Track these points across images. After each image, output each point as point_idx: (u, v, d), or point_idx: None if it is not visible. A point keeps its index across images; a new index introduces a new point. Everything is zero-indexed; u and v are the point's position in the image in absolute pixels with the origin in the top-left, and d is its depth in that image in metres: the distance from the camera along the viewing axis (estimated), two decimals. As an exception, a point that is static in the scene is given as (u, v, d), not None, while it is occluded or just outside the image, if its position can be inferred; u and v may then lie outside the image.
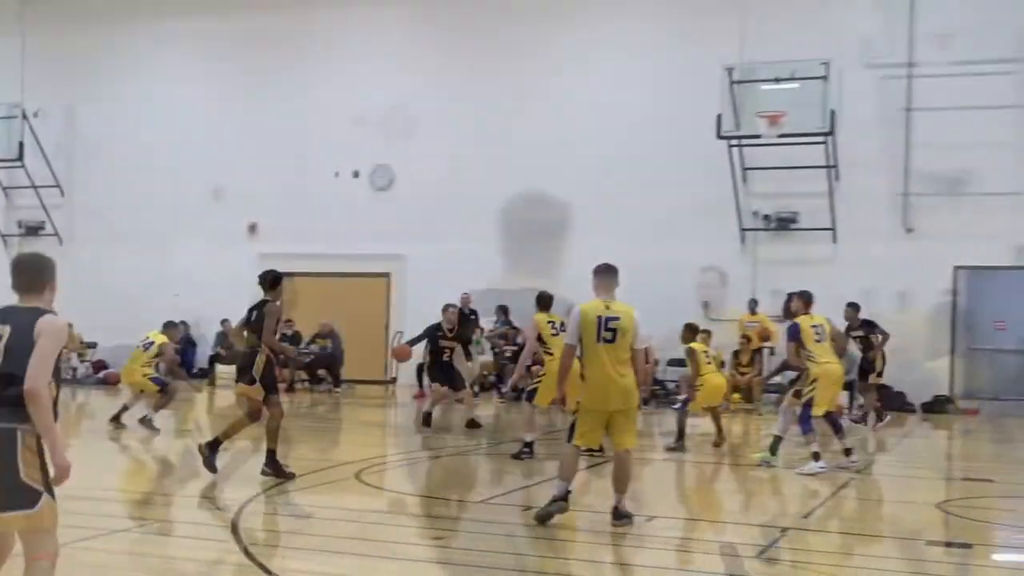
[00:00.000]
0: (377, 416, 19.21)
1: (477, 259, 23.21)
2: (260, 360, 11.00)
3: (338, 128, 25.05)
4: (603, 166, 22.91)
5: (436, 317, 16.91)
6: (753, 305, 21.03)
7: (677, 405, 15.13)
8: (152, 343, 15.96)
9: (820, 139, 21.04)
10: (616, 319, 8.73)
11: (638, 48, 23.02)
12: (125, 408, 15.39)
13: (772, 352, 20.85)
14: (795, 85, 21.10)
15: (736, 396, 20.17)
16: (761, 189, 22.21)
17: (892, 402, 20.32)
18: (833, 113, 20.88)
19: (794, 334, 12.20)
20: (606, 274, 9.00)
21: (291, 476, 10.82)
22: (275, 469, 10.81)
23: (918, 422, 19.39)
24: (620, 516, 8.83)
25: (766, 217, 22.12)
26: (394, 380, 23.78)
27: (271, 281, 11.34)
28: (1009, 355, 20.98)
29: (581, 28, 23.51)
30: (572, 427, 9.01)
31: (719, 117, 21.29)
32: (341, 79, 25.26)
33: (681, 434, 13.77)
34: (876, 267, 20.66)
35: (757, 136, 21.07)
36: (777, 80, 21.22)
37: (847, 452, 12.48)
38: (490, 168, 23.73)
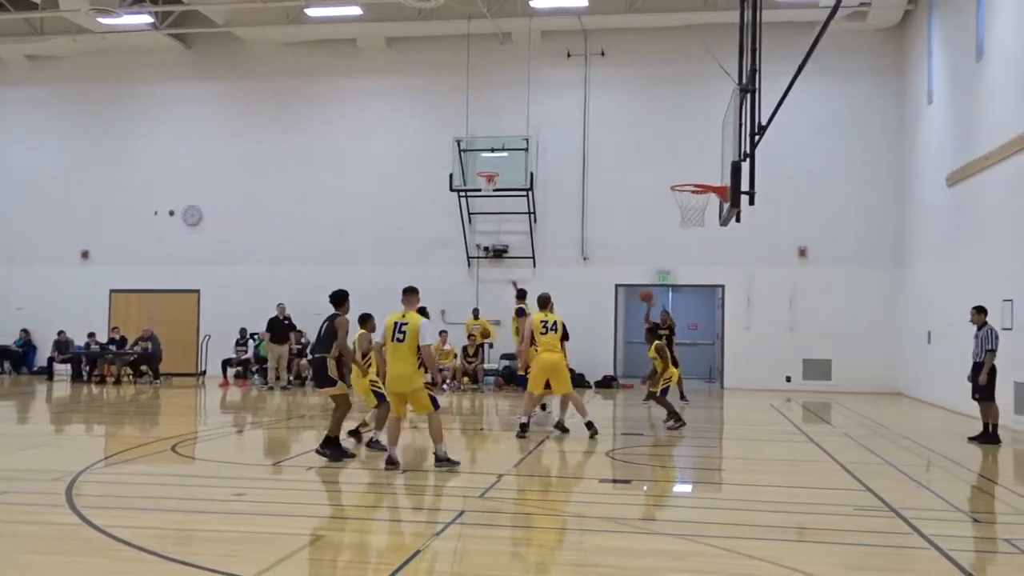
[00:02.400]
0: (189, 401, 18.15)
1: (271, 280, 22.55)
2: (331, 364, 9.92)
3: (158, 175, 23.72)
4: (371, 210, 22.70)
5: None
6: (476, 313, 21.34)
7: None
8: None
9: (523, 193, 21.63)
10: (406, 324, 9.18)
11: (395, 125, 22.95)
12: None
13: (491, 346, 21.17)
14: (505, 154, 21.59)
15: (465, 379, 20.37)
16: (482, 228, 22.61)
17: (576, 381, 21.04)
18: (532, 175, 21.54)
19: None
20: (408, 293, 9.49)
21: (352, 456, 9.94)
22: (335, 452, 9.80)
23: (593, 394, 20.15)
24: (440, 460, 9.27)
25: (486, 249, 22.49)
26: (204, 373, 22.60)
27: (338, 298, 10.07)
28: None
29: (355, 109, 23.19)
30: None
31: (451, 175, 21.53)
32: (160, 137, 23.89)
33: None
34: (564, 285, 21.42)
35: (478, 190, 21.39)
36: (492, 149, 21.65)
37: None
38: (286, 211, 23.11)
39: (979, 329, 12.49)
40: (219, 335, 22.20)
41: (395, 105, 23.04)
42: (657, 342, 13.82)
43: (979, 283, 15.10)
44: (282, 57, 23.44)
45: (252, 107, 23.50)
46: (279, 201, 23.13)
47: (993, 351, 12.24)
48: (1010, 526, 7.56)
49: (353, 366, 10.45)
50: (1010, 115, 14.32)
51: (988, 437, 12.30)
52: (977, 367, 12.41)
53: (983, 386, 12.31)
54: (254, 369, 21.69)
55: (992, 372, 12.28)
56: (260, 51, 23.50)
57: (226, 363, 21.71)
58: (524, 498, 8.31)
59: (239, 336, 21.99)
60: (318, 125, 23.20)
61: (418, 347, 9.18)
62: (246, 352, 21.90)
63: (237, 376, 21.77)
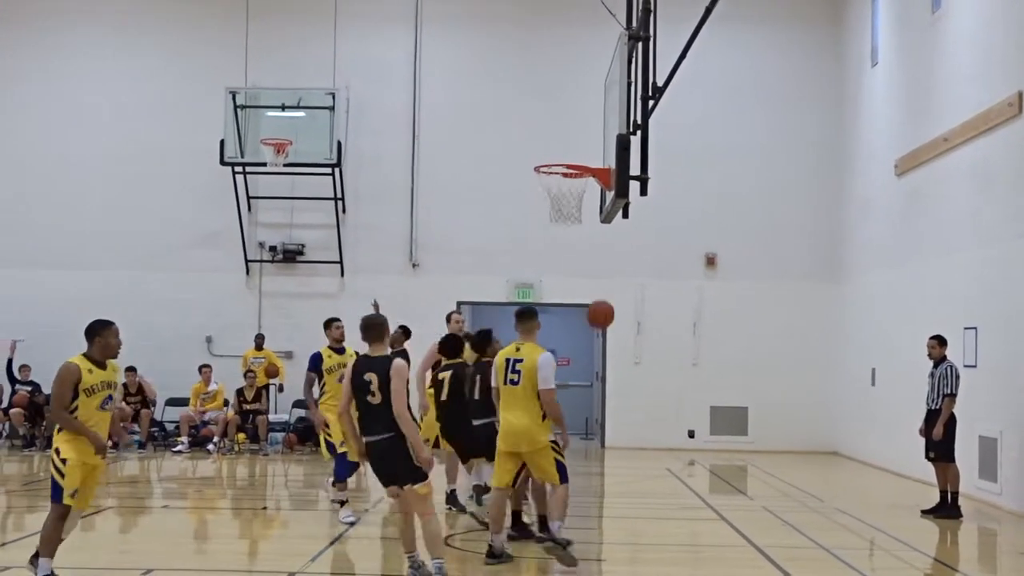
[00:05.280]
0: None
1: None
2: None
3: None
4: (100, 192, 21.89)
5: None
6: (259, 341, 20.94)
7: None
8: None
9: (327, 170, 21.41)
10: (520, 360, 9.32)
11: (135, 67, 22.21)
12: None
13: (281, 389, 20.76)
14: (301, 113, 21.36)
15: (241, 436, 19.92)
16: (267, 219, 22.27)
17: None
18: (340, 144, 21.37)
19: None
20: (524, 318, 9.58)
21: None
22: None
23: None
24: (545, 539, 9.29)
25: (272, 249, 22.16)
26: None
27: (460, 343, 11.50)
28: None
29: (72, 42, 22.30)
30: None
31: (222, 143, 21.10)
32: None
33: None
34: (384, 301, 21.23)
35: (263, 164, 20.98)
36: (283, 107, 21.36)
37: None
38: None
39: (936, 366, 13.26)
40: None
41: (135, 38, 22.32)
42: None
43: (936, 304, 16.04)
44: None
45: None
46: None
47: (953, 395, 13.01)
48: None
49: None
50: (974, 84, 15.30)
51: (946, 509, 13.07)
52: (932, 416, 13.17)
53: (940, 442, 13.05)
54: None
55: (951, 423, 13.05)
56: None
57: None
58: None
59: None
60: (10, 64, 22.24)
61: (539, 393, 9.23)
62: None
63: None
